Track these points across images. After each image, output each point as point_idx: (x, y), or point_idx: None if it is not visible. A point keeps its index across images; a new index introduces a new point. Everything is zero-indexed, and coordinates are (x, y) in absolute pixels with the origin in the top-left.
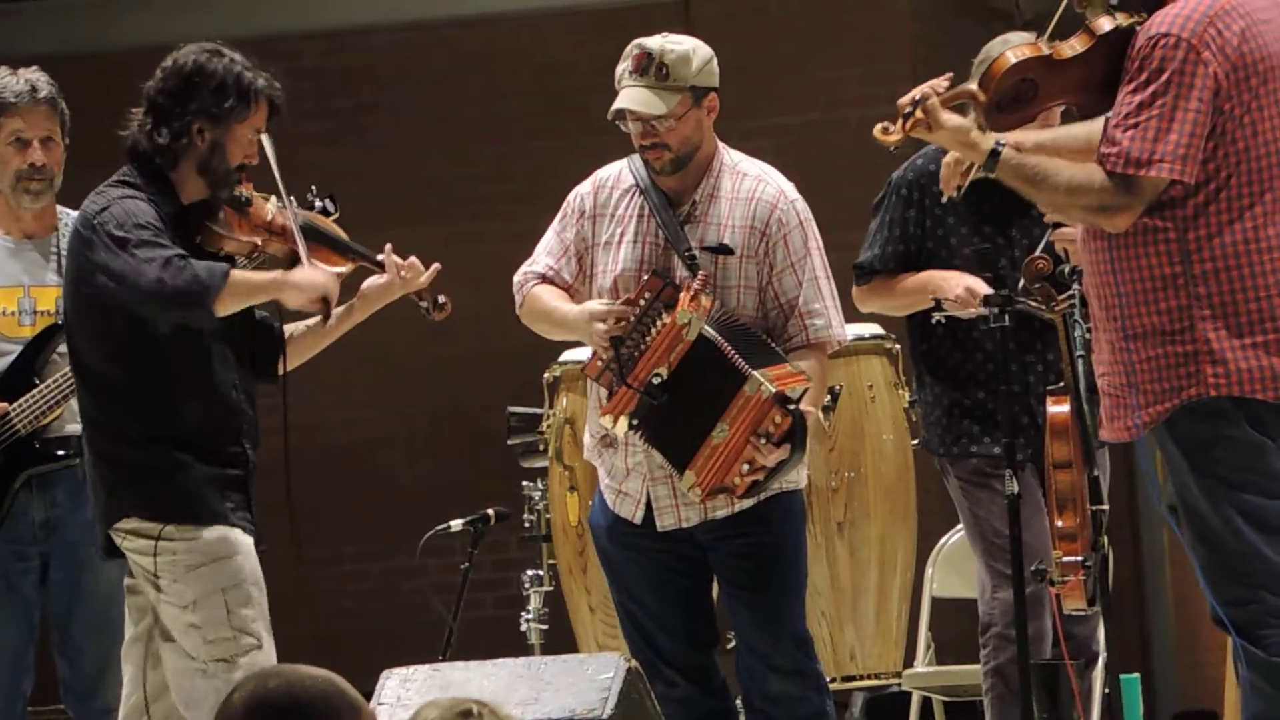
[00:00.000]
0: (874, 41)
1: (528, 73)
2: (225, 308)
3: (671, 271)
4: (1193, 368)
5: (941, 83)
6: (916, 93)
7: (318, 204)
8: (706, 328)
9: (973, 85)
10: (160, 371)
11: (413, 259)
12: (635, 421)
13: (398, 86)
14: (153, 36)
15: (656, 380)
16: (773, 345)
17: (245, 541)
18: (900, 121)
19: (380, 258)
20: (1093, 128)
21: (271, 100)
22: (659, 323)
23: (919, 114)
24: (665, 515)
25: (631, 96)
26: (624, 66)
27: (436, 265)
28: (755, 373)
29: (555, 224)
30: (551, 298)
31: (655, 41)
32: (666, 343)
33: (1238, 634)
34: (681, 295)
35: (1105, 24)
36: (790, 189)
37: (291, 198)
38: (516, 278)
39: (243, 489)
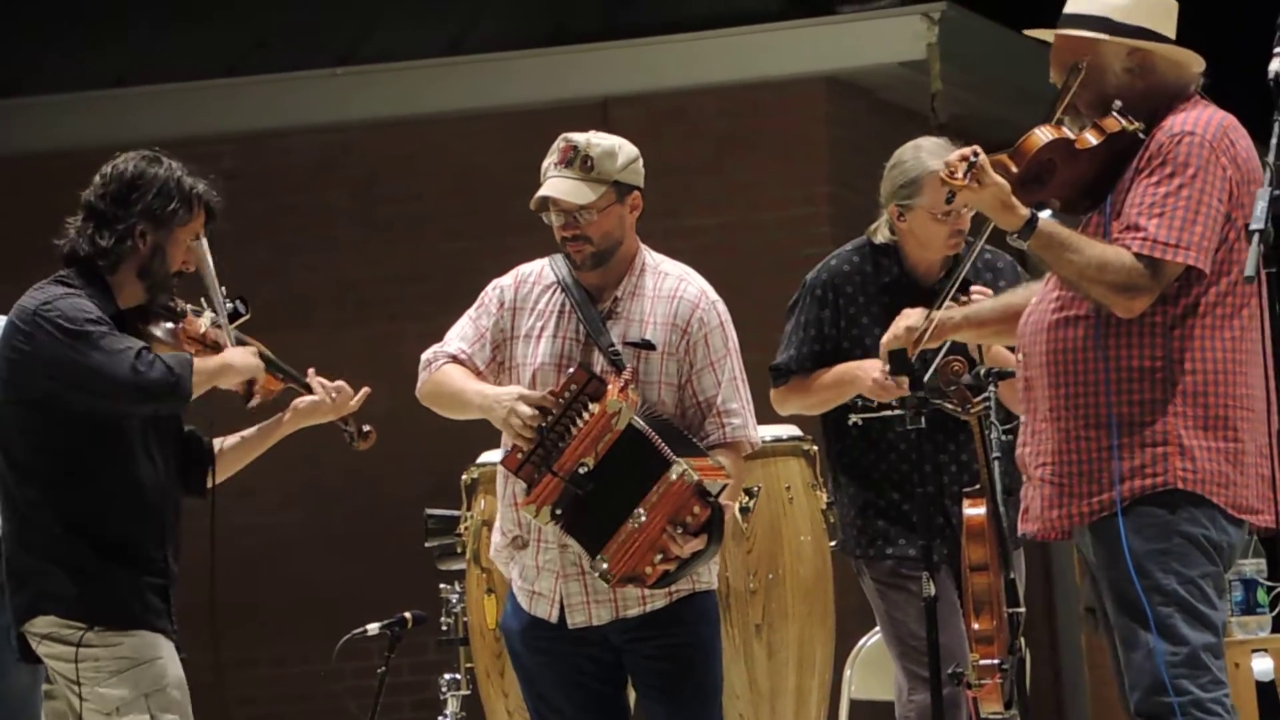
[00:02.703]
0: (790, 144)
1: (446, 174)
2: (193, 395)
3: (593, 366)
4: (1159, 456)
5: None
6: (966, 151)
7: (228, 305)
8: (636, 418)
9: (1004, 156)
10: (87, 471)
11: (341, 383)
12: (559, 511)
13: (315, 188)
14: (67, 141)
15: (583, 470)
16: (694, 441)
17: (168, 646)
18: (965, 168)
19: (308, 381)
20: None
21: (208, 206)
22: (584, 414)
23: (976, 169)
24: (576, 613)
25: (555, 186)
26: (550, 160)
27: (366, 389)
28: (679, 460)
29: (471, 311)
30: (464, 376)
31: (582, 136)
32: (595, 432)
33: None
34: (610, 387)
35: (1114, 124)
36: (711, 290)
37: (225, 310)
38: (425, 355)
39: (165, 597)
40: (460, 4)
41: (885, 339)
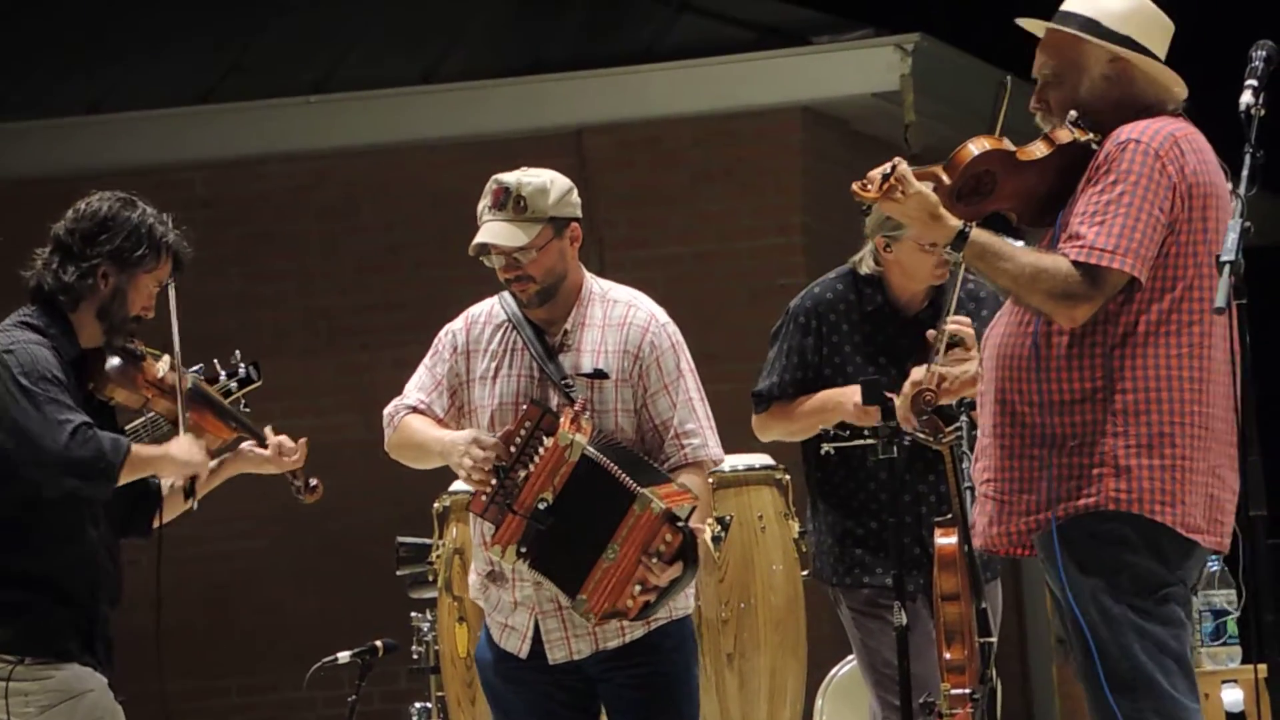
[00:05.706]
0: (764, 174)
1: (420, 202)
2: (121, 480)
3: (548, 401)
4: (1094, 478)
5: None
6: (887, 164)
7: (241, 370)
8: (589, 448)
9: (938, 168)
10: (23, 514)
11: (285, 441)
12: (524, 549)
13: (288, 216)
14: (41, 167)
15: (542, 505)
16: (655, 465)
17: (99, 679)
18: (880, 180)
19: (265, 435)
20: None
21: (177, 255)
22: (541, 449)
23: (894, 179)
24: (556, 649)
25: (491, 230)
26: (484, 203)
27: (304, 440)
28: (644, 490)
29: (426, 360)
30: (425, 425)
31: (512, 176)
32: (550, 466)
33: None
34: (562, 419)
35: (1065, 135)
36: (661, 313)
37: (178, 359)
38: (387, 411)
39: (92, 643)
40: (435, 32)
41: (899, 403)
